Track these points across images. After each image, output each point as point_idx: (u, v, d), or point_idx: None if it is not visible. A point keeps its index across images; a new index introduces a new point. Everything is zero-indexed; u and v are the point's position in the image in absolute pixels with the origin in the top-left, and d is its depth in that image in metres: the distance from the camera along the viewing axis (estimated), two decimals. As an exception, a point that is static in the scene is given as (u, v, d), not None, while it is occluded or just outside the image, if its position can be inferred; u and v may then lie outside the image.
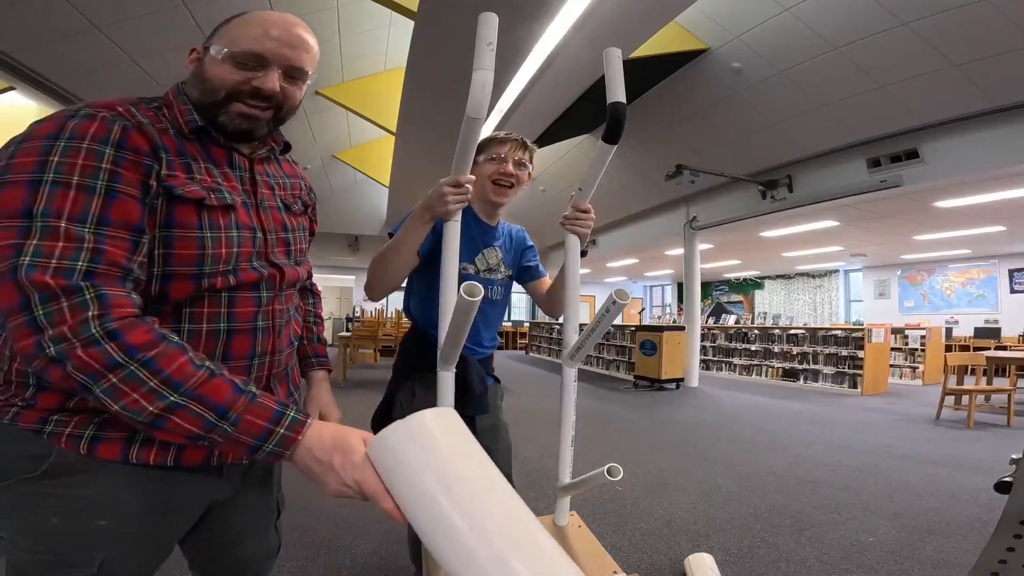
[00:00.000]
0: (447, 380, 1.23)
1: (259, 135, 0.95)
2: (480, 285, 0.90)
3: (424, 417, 0.68)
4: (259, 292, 0.93)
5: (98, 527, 0.82)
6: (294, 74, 0.92)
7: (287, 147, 1.08)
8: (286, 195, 1.05)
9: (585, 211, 1.37)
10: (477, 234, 1.58)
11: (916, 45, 5.51)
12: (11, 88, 6.71)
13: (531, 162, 1.58)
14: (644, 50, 6.29)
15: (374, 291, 1.46)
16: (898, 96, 6.18)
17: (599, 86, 6.06)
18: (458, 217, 1.26)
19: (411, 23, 5.18)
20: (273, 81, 0.89)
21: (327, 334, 17.82)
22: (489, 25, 1.08)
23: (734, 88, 7.23)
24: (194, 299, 0.85)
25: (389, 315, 17.10)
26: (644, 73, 7.47)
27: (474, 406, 1.52)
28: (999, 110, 5.82)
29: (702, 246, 10.45)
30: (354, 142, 10.97)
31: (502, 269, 1.63)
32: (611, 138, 1.20)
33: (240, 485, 1.02)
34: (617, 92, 1.17)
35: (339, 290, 18.30)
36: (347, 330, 15.80)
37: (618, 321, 13.02)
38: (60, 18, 5.18)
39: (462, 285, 0.94)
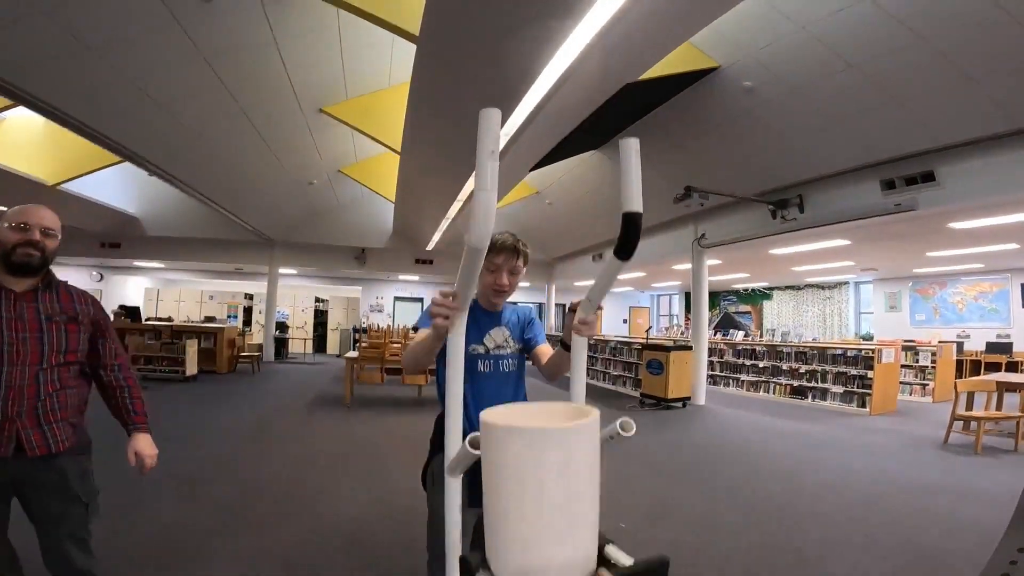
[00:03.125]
0: (453, 487, 1.19)
1: (35, 265, 1.72)
2: (479, 436, 0.88)
3: None
4: (2, 366, 1.64)
5: None
6: (46, 232, 1.74)
7: (48, 284, 1.78)
8: (51, 311, 1.75)
9: (589, 322, 1.40)
10: (484, 321, 1.85)
11: (936, 63, 5.35)
12: (16, 104, 6.75)
13: (525, 263, 1.82)
14: (654, 70, 6.23)
15: (409, 371, 1.92)
16: (915, 115, 6.02)
17: (608, 105, 6.04)
18: (459, 326, 1.21)
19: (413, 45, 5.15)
20: (36, 234, 1.71)
21: (335, 346, 17.82)
22: (491, 126, 0.90)
23: (745, 106, 7.14)
24: None
25: (397, 326, 17.10)
26: (653, 90, 7.42)
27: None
28: (1019, 132, 5.64)
29: (710, 261, 10.37)
30: (359, 156, 10.98)
31: (511, 344, 1.88)
32: (624, 253, 1.09)
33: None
34: (633, 200, 1.04)
35: (346, 300, 18.31)
36: (354, 343, 15.85)
37: (625, 337, 12.91)
38: (51, 41, 5.14)
39: (467, 438, 0.90)
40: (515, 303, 2.05)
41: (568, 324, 1.46)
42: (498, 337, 1.85)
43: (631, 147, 1.05)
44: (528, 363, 1.97)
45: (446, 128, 6.40)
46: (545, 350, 1.84)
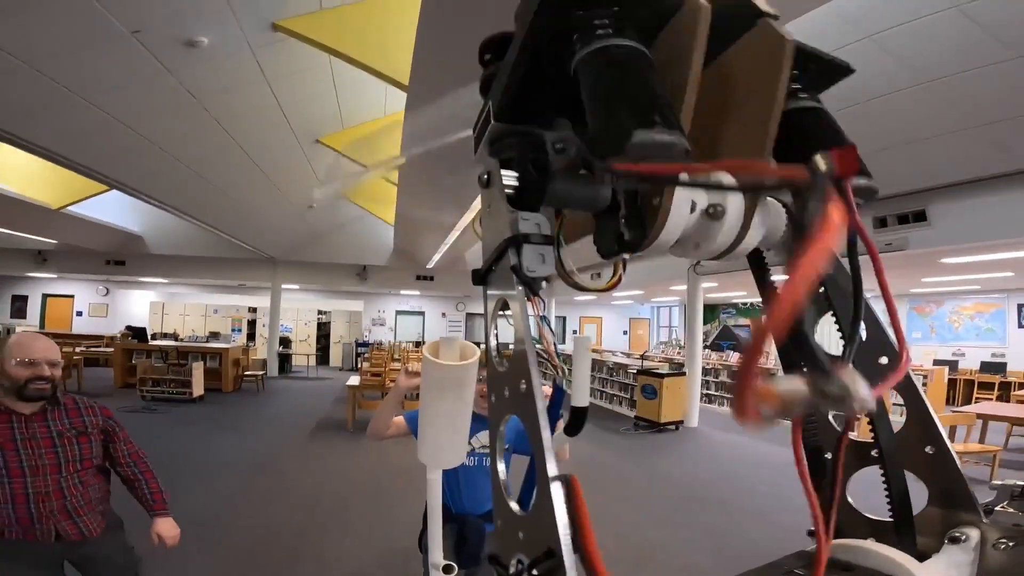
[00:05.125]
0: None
1: (48, 396, 1.92)
2: (453, 564, 1.17)
3: None
4: (25, 478, 1.87)
5: None
6: (54, 363, 1.93)
7: (56, 402, 1.98)
8: (61, 428, 1.96)
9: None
10: (473, 423, 2.00)
11: (939, 104, 5.29)
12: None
13: None
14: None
15: (373, 436, 2.13)
16: (912, 155, 5.97)
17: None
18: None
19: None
20: (45, 369, 1.89)
21: (338, 359, 18.01)
22: None
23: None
24: None
25: (398, 343, 17.27)
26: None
27: (467, 557, 2.04)
28: (1013, 173, 5.63)
29: (706, 284, 10.52)
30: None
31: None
32: (572, 432, 1.27)
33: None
34: (581, 395, 1.21)
35: (348, 314, 18.49)
36: (356, 357, 16.05)
37: (623, 360, 13.03)
38: (41, 91, 5.32)
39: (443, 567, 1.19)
40: None
41: None
42: (484, 439, 2.12)
43: (583, 344, 1.21)
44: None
45: (441, 170, 6.55)
46: None
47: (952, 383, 11.51)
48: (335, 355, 18.18)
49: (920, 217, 6.43)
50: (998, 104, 5.10)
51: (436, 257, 12.79)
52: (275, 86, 6.71)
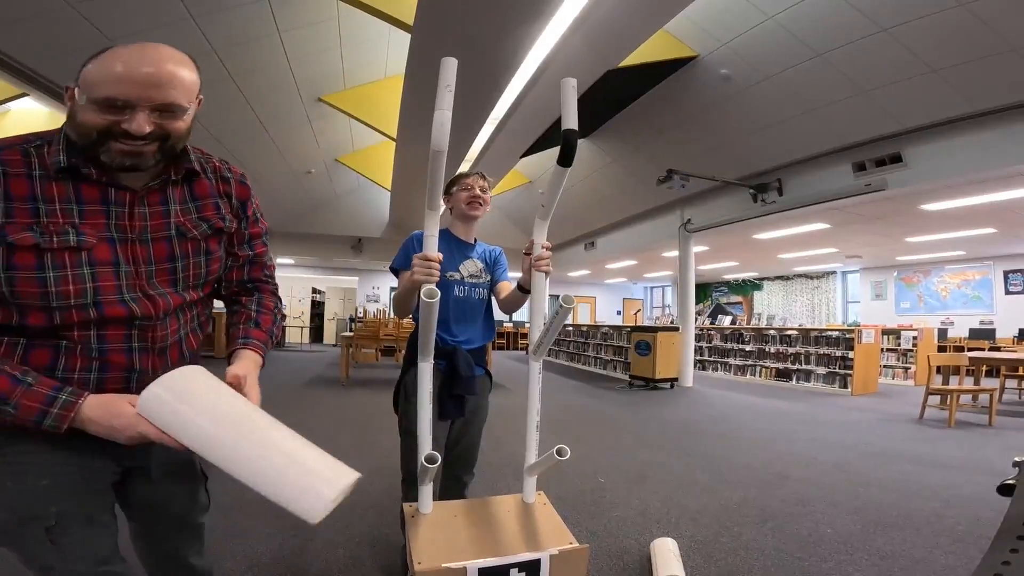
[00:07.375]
0: (425, 370, 1.47)
1: (147, 167, 0.97)
2: (437, 289, 1.20)
3: (171, 377, 0.95)
4: (131, 322, 0.99)
5: (41, 486, 0.96)
6: (167, 109, 0.93)
7: (189, 174, 1.08)
8: (186, 221, 1.07)
9: (549, 248, 1.61)
10: (458, 249, 2.03)
11: (896, 51, 5.65)
12: (24, 94, 6.97)
13: (490, 189, 2.08)
14: (636, 58, 6.46)
15: (399, 315, 1.84)
16: (880, 101, 6.33)
17: (595, 95, 6.23)
18: (433, 244, 1.44)
19: (408, 36, 5.37)
20: (140, 123, 0.89)
21: (331, 336, 18.04)
22: (448, 69, 1.26)
23: (724, 94, 7.41)
24: (64, 327, 0.94)
25: (390, 315, 17.30)
26: (636, 80, 7.66)
27: (461, 387, 1.90)
28: (980, 114, 5.94)
29: (697, 248, 10.62)
30: (356, 146, 11.20)
31: (483, 276, 2.04)
32: (564, 162, 1.34)
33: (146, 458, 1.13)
34: (571, 120, 1.31)
35: (343, 291, 18.52)
36: (350, 330, 16.08)
37: (616, 322, 13.17)
38: (72, 30, 5.39)
39: (422, 289, 1.22)
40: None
41: (525, 267, 1.64)
42: (472, 268, 2.01)
43: (568, 85, 1.33)
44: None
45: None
46: (505, 286, 2.01)
47: (942, 350, 11.66)
48: (329, 332, 18.24)
49: (896, 159, 6.73)
50: (954, 49, 5.41)
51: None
52: (285, 40, 6.84)
